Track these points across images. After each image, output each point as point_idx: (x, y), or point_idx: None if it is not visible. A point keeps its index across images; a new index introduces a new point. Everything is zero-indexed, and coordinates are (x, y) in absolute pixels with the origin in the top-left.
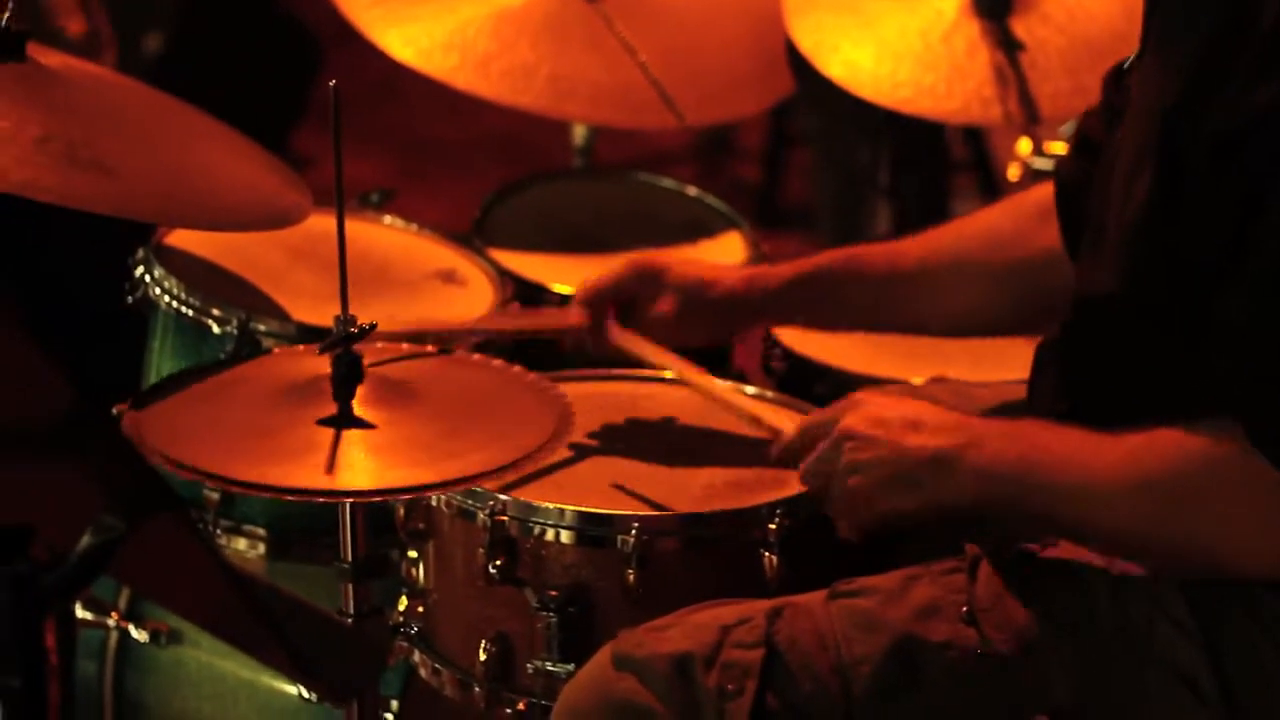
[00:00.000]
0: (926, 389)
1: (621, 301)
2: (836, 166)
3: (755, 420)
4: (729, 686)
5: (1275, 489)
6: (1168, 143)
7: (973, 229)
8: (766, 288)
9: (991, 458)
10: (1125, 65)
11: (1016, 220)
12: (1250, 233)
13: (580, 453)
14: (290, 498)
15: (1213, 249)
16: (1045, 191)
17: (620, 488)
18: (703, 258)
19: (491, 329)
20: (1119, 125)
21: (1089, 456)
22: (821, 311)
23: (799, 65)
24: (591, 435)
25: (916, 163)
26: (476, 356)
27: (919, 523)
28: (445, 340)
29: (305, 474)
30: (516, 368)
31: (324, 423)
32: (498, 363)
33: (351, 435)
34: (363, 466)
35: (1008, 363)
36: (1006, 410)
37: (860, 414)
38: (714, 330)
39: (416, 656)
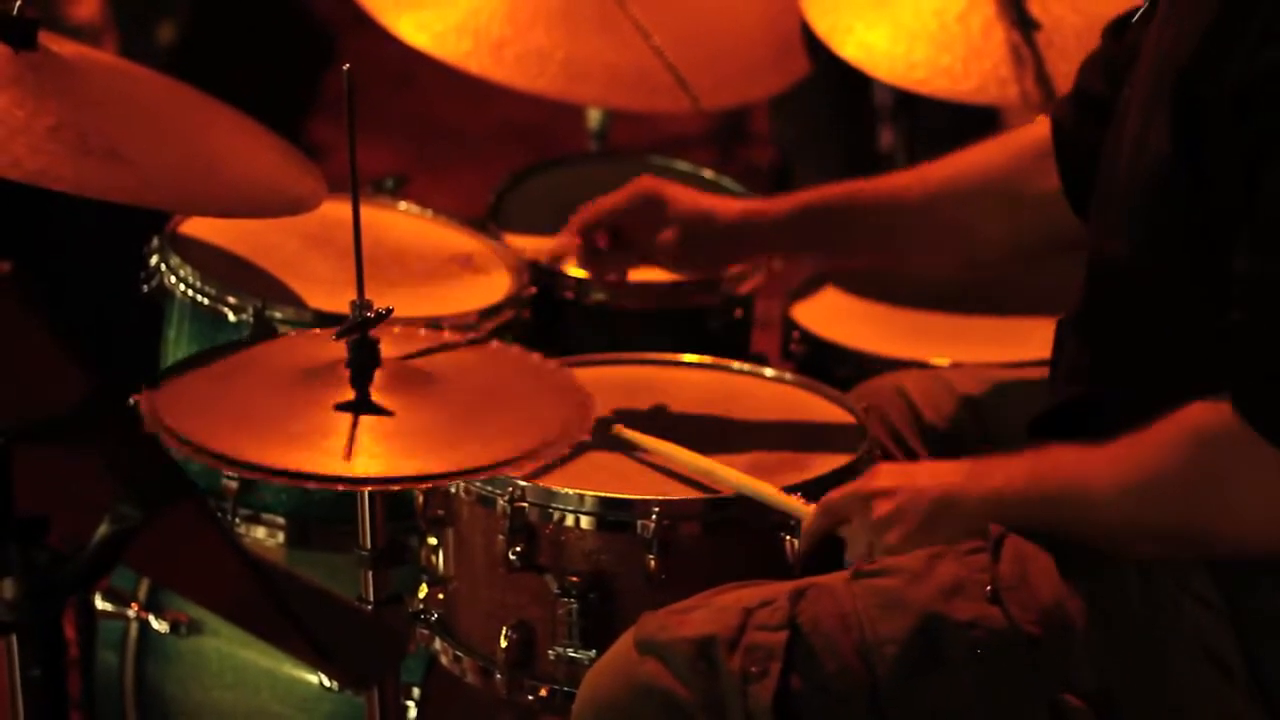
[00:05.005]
0: (947, 374)
1: (621, 227)
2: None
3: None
4: (753, 669)
5: (1268, 460)
6: (1184, 98)
7: (968, 166)
8: (769, 217)
9: (996, 484)
10: (1128, 19)
11: (1012, 160)
12: (1254, 189)
13: (601, 437)
14: (311, 485)
15: (1229, 205)
16: (1038, 132)
17: (645, 461)
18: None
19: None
20: (1126, 81)
21: (1086, 465)
22: (828, 240)
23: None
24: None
25: (936, 144)
26: (494, 344)
27: None
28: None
29: (324, 461)
30: (536, 356)
31: (342, 408)
32: (515, 349)
33: (369, 421)
34: (381, 454)
35: (1027, 342)
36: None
37: (887, 470)
38: (716, 259)
39: (437, 644)
